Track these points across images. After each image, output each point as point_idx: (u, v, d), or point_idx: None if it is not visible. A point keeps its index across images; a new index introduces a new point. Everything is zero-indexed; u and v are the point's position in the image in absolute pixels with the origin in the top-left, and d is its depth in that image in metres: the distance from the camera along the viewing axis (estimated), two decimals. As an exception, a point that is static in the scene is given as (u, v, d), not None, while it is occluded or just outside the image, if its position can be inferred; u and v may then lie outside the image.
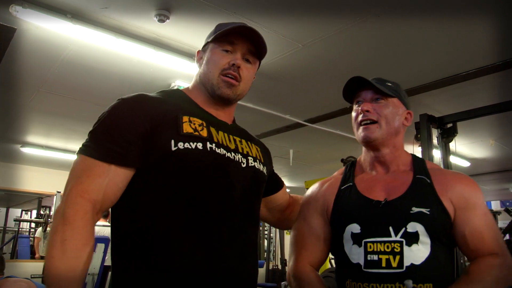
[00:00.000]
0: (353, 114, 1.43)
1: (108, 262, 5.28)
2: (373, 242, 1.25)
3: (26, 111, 4.73)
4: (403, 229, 1.23)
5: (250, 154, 1.31)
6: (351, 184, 1.40)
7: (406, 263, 1.20)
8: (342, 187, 1.42)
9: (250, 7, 2.74)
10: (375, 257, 1.23)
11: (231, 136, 1.28)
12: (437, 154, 3.90)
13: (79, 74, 3.76)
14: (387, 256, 1.22)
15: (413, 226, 1.23)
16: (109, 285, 1.16)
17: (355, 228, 1.29)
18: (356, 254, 1.27)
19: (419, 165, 1.39)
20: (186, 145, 1.12)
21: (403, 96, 1.44)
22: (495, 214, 5.69)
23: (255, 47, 1.32)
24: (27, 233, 9.80)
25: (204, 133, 1.18)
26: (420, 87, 4.00)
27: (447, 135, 3.87)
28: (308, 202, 1.48)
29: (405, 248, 1.21)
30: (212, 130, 1.22)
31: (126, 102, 1.16)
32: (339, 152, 5.38)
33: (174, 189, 1.10)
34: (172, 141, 1.11)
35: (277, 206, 1.56)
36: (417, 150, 4.04)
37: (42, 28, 2.91)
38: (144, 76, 3.76)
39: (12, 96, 4.29)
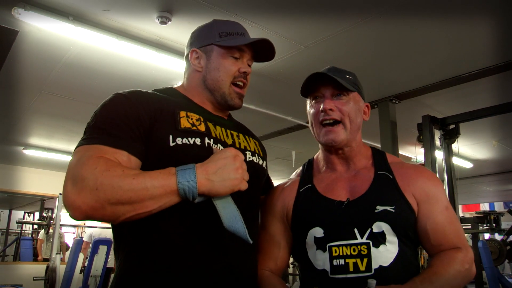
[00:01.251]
0: (311, 110, 1.34)
1: (110, 264, 5.30)
2: (338, 246, 1.18)
3: (28, 113, 4.74)
4: (369, 230, 1.17)
5: (248, 148, 1.30)
6: (310, 185, 1.33)
7: (375, 265, 1.14)
8: (301, 190, 1.34)
9: (251, 9, 2.73)
10: (342, 262, 1.16)
11: (228, 131, 1.27)
12: (439, 155, 3.90)
13: (81, 76, 3.77)
14: (354, 260, 1.16)
15: (379, 226, 1.17)
16: (111, 285, 1.13)
17: (318, 232, 1.22)
18: (321, 260, 1.20)
19: (380, 159, 1.33)
20: (185, 140, 1.11)
21: (361, 88, 1.36)
22: (498, 215, 5.65)
23: (256, 52, 1.33)
24: (30, 235, 9.81)
25: (202, 128, 1.17)
26: (422, 88, 3.99)
27: (450, 136, 3.88)
28: (265, 209, 1.39)
29: (373, 249, 1.15)
30: (210, 125, 1.21)
31: (124, 96, 1.13)
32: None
33: None
34: (171, 137, 1.10)
35: None
36: (419, 152, 4.04)
37: (44, 30, 2.91)
38: (146, 78, 3.76)
39: (15, 98, 4.30)
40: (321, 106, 1.28)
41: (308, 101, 1.38)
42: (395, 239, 1.18)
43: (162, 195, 0.95)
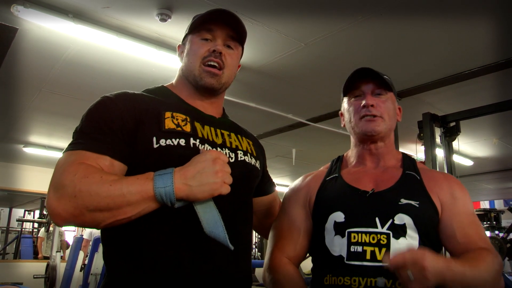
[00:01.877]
0: (350, 108, 1.35)
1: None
2: (357, 233, 1.17)
3: (28, 111, 4.74)
4: (390, 220, 1.17)
5: (240, 148, 1.26)
6: (336, 175, 1.34)
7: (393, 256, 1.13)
8: (327, 178, 1.35)
9: (252, 6, 2.72)
10: (359, 249, 1.15)
11: (218, 131, 1.23)
12: (440, 153, 3.89)
13: (81, 74, 3.76)
14: (372, 248, 1.14)
15: (401, 218, 1.17)
16: (102, 285, 1.13)
17: (338, 216, 1.22)
18: (338, 246, 1.19)
19: (409, 163, 1.35)
20: (168, 141, 1.09)
21: (395, 91, 1.40)
22: (498, 213, 5.66)
23: (235, 31, 1.27)
24: (30, 233, 9.82)
25: (188, 128, 1.15)
26: (422, 85, 3.99)
27: (450, 134, 3.86)
28: (290, 194, 1.41)
29: (392, 240, 1.14)
30: (197, 125, 1.18)
31: (109, 99, 1.12)
32: (342, 151, 5.31)
33: None
34: (154, 138, 1.08)
35: (261, 211, 1.47)
36: (420, 149, 4.03)
37: (44, 28, 2.91)
38: (146, 76, 3.75)
39: (14, 96, 4.30)
40: (363, 102, 1.30)
41: (346, 100, 1.39)
42: (416, 235, 1.17)
43: (140, 201, 0.94)
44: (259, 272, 5.54)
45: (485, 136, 5.63)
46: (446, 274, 1.00)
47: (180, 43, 1.34)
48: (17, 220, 7.89)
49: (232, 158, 1.21)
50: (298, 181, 1.44)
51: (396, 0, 2.64)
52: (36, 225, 9.00)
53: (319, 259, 1.27)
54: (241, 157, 1.24)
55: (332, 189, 1.30)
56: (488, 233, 6.33)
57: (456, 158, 4.27)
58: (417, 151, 4.34)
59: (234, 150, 1.24)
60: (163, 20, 2.80)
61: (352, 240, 1.17)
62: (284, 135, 5.61)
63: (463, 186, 1.31)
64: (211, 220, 1.00)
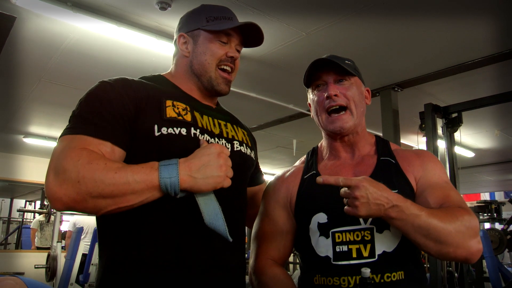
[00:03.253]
0: (315, 98, 1.31)
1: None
2: (341, 232, 1.16)
3: (28, 102, 4.72)
4: None
5: (236, 138, 1.28)
6: (314, 172, 1.31)
7: (378, 251, 1.13)
8: (305, 176, 1.32)
9: (253, -5, 2.69)
10: (345, 248, 1.15)
11: (215, 120, 1.25)
12: (441, 144, 3.88)
13: (81, 63, 3.74)
14: (357, 246, 1.14)
15: None
16: (96, 278, 1.13)
17: (321, 217, 1.20)
18: (323, 247, 1.18)
19: (383, 146, 1.32)
20: (170, 130, 1.09)
21: (360, 73, 1.35)
22: (499, 204, 5.66)
23: (245, 37, 1.31)
24: (31, 224, 9.85)
25: (188, 117, 1.16)
26: (424, 76, 3.96)
27: (452, 125, 3.85)
28: (268, 195, 1.37)
29: (376, 235, 1.14)
30: (196, 114, 1.19)
31: (109, 84, 1.12)
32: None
33: None
34: (156, 126, 1.08)
35: (249, 202, 1.44)
36: (421, 141, 4.02)
37: (43, 17, 2.88)
38: (145, 65, 3.72)
39: (14, 86, 4.27)
40: (326, 93, 1.26)
41: (310, 91, 1.36)
42: None
43: (144, 190, 0.95)
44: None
45: (487, 128, 5.61)
46: (390, 211, 1.01)
47: (183, 32, 1.30)
48: (18, 211, 7.88)
49: (228, 148, 1.21)
50: (276, 180, 1.41)
51: (398, -11, 2.61)
52: (37, 215, 9.02)
53: (307, 258, 1.26)
54: (237, 147, 1.26)
55: (312, 189, 1.27)
56: (488, 225, 6.34)
57: (457, 150, 4.25)
58: (418, 142, 4.33)
59: (231, 140, 1.25)
60: (162, 8, 2.77)
61: (337, 240, 1.16)
62: (285, 126, 5.60)
63: (435, 158, 1.30)
64: (211, 212, 1.02)
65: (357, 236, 1.15)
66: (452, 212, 1.06)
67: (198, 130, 1.15)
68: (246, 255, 1.36)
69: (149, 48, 3.36)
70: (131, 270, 1.05)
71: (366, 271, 1.02)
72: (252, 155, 1.34)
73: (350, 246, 1.15)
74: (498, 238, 5.22)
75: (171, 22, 3.03)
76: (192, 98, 1.25)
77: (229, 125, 1.30)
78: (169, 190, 0.96)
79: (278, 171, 1.46)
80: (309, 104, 1.39)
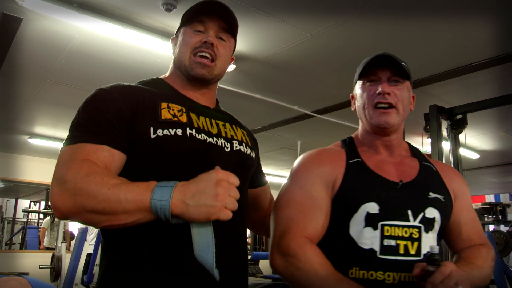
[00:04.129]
0: (364, 93, 1.29)
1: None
2: (391, 226, 1.13)
3: (33, 102, 4.74)
4: (422, 213, 1.16)
5: (235, 137, 1.27)
6: (359, 159, 1.26)
7: (424, 250, 1.13)
8: (350, 161, 1.25)
9: (258, -4, 2.70)
10: (393, 242, 1.12)
11: (213, 121, 1.24)
12: (446, 146, 3.87)
13: (86, 64, 3.75)
14: (405, 242, 1.12)
15: (431, 212, 1.17)
16: (97, 280, 1.12)
17: (372, 207, 1.15)
18: (368, 238, 1.14)
19: (418, 152, 1.36)
20: (165, 131, 1.09)
21: (411, 79, 1.35)
22: (504, 206, 5.64)
23: (227, 23, 1.28)
24: (36, 224, 9.89)
25: (184, 118, 1.15)
26: (429, 77, 3.95)
27: (457, 127, 3.84)
28: (306, 168, 1.27)
29: (423, 234, 1.14)
30: (193, 115, 1.19)
31: (104, 91, 1.13)
32: (347, 143, 5.32)
33: (155, 178, 0.99)
34: (151, 129, 1.09)
35: (250, 203, 1.38)
36: (426, 142, 4.01)
37: (49, 18, 2.89)
38: (151, 66, 3.73)
39: (19, 87, 4.30)
40: (378, 89, 1.25)
41: (360, 83, 1.33)
42: (438, 229, 1.20)
43: (135, 210, 0.90)
44: (263, 263, 5.54)
45: (492, 129, 5.59)
46: (464, 281, 1.01)
47: (174, 36, 1.35)
48: (23, 211, 7.93)
49: (227, 148, 1.21)
50: (314, 155, 1.32)
51: (404, -10, 2.60)
52: (41, 215, 9.06)
53: (341, 249, 1.18)
54: (236, 147, 1.24)
55: (360, 176, 1.22)
56: (492, 227, 6.31)
57: (462, 151, 4.24)
58: (423, 144, 4.32)
59: (230, 140, 1.24)
60: (168, 10, 2.78)
61: (386, 234, 1.13)
62: (289, 127, 5.59)
63: (464, 181, 1.37)
64: (203, 244, 0.95)
65: (406, 232, 1.14)
66: (483, 256, 1.22)
67: (194, 130, 1.15)
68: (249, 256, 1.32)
69: (154, 49, 3.36)
70: (131, 270, 1.05)
71: (435, 247, 1.01)
72: (253, 154, 1.32)
73: (398, 242, 1.13)
74: (504, 240, 5.21)
75: (176, 23, 3.00)
76: (189, 99, 1.25)
77: (227, 125, 1.29)
78: (159, 213, 0.90)
79: (282, 172, 1.45)
80: (352, 96, 1.38)
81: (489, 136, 5.90)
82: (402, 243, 1.12)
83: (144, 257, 1.06)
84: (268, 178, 1.56)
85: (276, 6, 2.81)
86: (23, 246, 8.39)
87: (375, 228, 1.14)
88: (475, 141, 6.13)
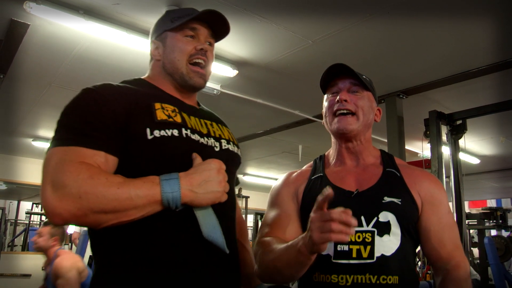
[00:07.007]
0: (326, 103, 1.39)
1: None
2: None
3: (38, 106, 4.79)
4: (375, 218, 1.22)
5: (223, 136, 1.29)
6: (321, 174, 1.37)
7: (377, 253, 1.18)
8: (312, 177, 1.38)
9: (260, 4, 2.75)
10: (346, 248, 1.20)
11: (202, 121, 1.26)
12: (446, 151, 3.90)
13: (91, 69, 3.80)
14: (358, 247, 1.19)
15: (385, 216, 1.22)
16: (92, 280, 1.11)
17: None
18: None
19: (388, 160, 1.39)
20: (162, 132, 1.09)
21: (375, 92, 1.42)
22: (504, 211, 5.65)
23: (214, 30, 1.31)
24: (38, 226, 9.91)
25: (178, 119, 1.16)
26: (429, 83, 3.99)
27: (457, 132, 3.87)
28: (278, 191, 1.42)
29: (377, 238, 1.20)
30: (185, 115, 1.20)
31: (95, 92, 1.10)
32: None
33: None
34: (148, 130, 1.08)
35: None
36: (426, 147, 4.04)
37: (55, 24, 2.94)
38: (154, 72, 3.77)
39: (25, 91, 4.35)
40: (337, 98, 1.33)
41: (325, 97, 1.43)
42: (398, 231, 1.23)
43: (146, 204, 0.97)
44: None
45: (491, 134, 5.62)
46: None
47: (153, 39, 1.33)
48: (26, 213, 7.97)
49: (217, 148, 1.23)
50: (284, 178, 1.47)
51: (403, -2, 2.65)
52: (44, 218, 9.09)
53: None
54: (225, 146, 1.27)
55: (318, 189, 1.30)
56: (494, 232, 6.32)
57: (462, 156, 4.27)
58: (423, 149, 4.35)
59: (218, 139, 1.26)
60: (172, 16, 2.82)
61: None
62: (290, 131, 5.63)
63: (440, 184, 1.37)
64: (210, 225, 1.06)
65: (359, 237, 1.20)
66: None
67: (188, 131, 1.16)
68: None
69: (158, 55, 3.40)
70: (124, 267, 1.04)
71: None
72: (239, 152, 1.35)
73: (351, 246, 1.20)
74: (504, 245, 5.22)
75: (180, 29, 3.07)
76: (176, 99, 1.25)
77: (214, 124, 1.31)
78: (171, 204, 0.98)
79: (284, 176, 1.51)
80: (323, 110, 1.45)
81: (490, 141, 5.93)
82: (355, 247, 1.20)
83: (136, 253, 1.05)
84: (269, 182, 1.61)
85: (277, 13, 2.86)
86: (25, 247, 8.43)
87: None
88: (476, 146, 6.16)
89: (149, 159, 1.07)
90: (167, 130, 1.10)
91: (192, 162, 1.10)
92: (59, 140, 1.03)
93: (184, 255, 1.07)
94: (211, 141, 1.22)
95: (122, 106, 1.09)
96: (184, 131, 1.14)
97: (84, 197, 0.91)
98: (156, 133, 1.08)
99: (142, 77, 1.33)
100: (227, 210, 1.20)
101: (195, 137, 1.17)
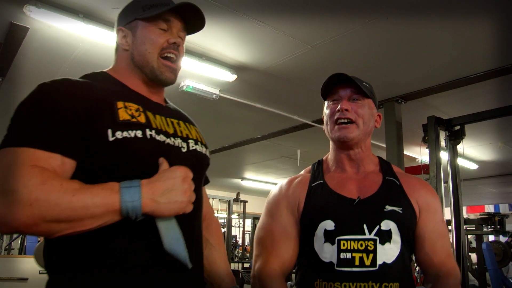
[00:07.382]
0: (327, 111, 1.41)
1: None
2: (346, 240, 1.23)
3: (36, 109, 4.78)
4: (377, 226, 1.24)
5: (190, 136, 1.21)
6: (321, 181, 1.38)
7: (379, 261, 1.21)
8: (313, 184, 1.39)
9: (259, 8, 2.75)
10: (348, 255, 1.22)
11: (168, 120, 1.18)
12: (444, 156, 3.91)
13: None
14: (360, 255, 1.21)
15: (387, 224, 1.24)
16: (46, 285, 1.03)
17: (329, 224, 1.26)
18: (328, 253, 1.25)
19: (386, 167, 1.42)
20: (125, 134, 1.01)
21: (375, 99, 1.45)
22: (502, 217, 5.66)
23: (187, 23, 1.25)
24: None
25: (142, 119, 1.08)
26: (428, 89, 4.00)
27: (455, 138, 3.88)
28: (277, 200, 1.42)
29: (379, 246, 1.22)
30: (149, 114, 1.11)
31: (53, 88, 1.02)
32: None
33: (114, 181, 0.95)
34: (109, 131, 0.99)
35: None
36: (424, 152, 4.05)
37: (54, 27, 2.95)
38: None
39: (24, 94, 4.30)
40: (338, 106, 1.35)
41: (326, 103, 1.45)
42: (399, 239, 1.25)
43: (103, 214, 0.89)
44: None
45: (490, 140, 5.63)
46: None
47: (121, 26, 1.24)
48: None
49: (184, 148, 1.15)
50: (283, 186, 1.46)
51: (402, 4, 2.66)
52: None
53: (308, 263, 1.31)
54: (192, 147, 1.19)
55: (320, 196, 1.34)
56: (492, 237, 6.32)
57: (460, 162, 4.28)
58: (421, 154, 4.36)
59: (185, 139, 1.18)
60: (171, 21, 2.83)
61: (342, 248, 1.23)
62: (289, 136, 5.64)
63: (435, 193, 1.41)
64: (172, 238, 0.99)
65: (361, 245, 1.22)
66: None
67: (153, 131, 1.08)
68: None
69: (157, 59, 3.40)
70: (78, 276, 0.97)
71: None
72: (207, 153, 1.28)
73: (353, 254, 1.22)
74: (502, 251, 5.22)
75: (179, 33, 3.08)
76: (141, 96, 1.18)
77: (181, 123, 1.23)
78: (130, 214, 0.90)
79: (282, 180, 1.51)
80: (323, 117, 1.47)
81: (488, 147, 5.94)
82: (357, 255, 1.22)
83: (96, 260, 0.97)
84: (268, 187, 1.60)
85: (277, 18, 2.87)
86: (22, 251, 8.39)
87: (333, 243, 1.25)
88: (474, 152, 6.17)
89: (110, 162, 0.99)
90: (130, 131, 1.02)
91: (157, 166, 1.03)
92: (10, 139, 0.92)
93: (143, 264, 1.00)
94: (178, 142, 1.14)
95: (81, 104, 1.00)
96: (148, 132, 1.06)
97: (35, 205, 0.83)
98: (118, 134, 1.00)
99: (106, 70, 1.24)
100: (192, 220, 1.12)
101: (160, 137, 1.09)
